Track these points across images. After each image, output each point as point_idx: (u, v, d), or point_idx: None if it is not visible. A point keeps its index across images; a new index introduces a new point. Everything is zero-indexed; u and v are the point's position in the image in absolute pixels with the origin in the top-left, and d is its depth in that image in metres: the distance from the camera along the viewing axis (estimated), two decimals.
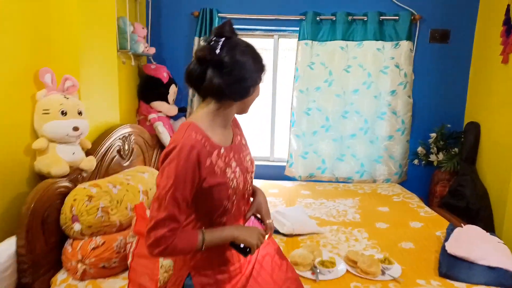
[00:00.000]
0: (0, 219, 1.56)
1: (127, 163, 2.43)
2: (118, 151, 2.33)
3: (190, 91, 3.40)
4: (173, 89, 3.23)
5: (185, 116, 3.47)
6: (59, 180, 1.73)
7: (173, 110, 3.29)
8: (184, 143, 1.07)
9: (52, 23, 1.89)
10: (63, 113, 1.77)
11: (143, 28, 3.04)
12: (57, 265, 1.69)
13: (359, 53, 3.27)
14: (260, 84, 1.23)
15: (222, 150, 1.18)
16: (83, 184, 1.77)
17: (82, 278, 1.63)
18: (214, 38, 1.15)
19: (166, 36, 3.41)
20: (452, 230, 2.16)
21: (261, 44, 3.60)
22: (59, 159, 1.76)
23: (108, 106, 2.38)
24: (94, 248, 1.64)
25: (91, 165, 1.92)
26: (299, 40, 3.29)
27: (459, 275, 1.75)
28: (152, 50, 3.16)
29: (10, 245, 1.48)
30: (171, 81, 3.23)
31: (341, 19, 3.22)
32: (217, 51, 1.11)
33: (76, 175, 1.85)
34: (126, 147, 2.43)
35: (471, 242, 1.97)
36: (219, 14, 3.28)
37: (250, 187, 1.32)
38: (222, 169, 1.16)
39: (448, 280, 1.73)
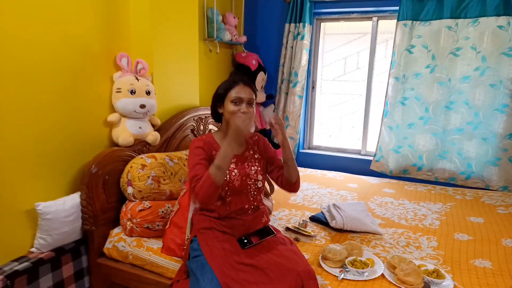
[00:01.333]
0: (80, 177, 1.91)
1: None
2: (192, 130, 2.56)
3: (279, 79, 3.44)
4: (261, 76, 3.33)
5: (274, 103, 3.53)
6: (123, 149, 2.02)
7: (261, 96, 3.39)
8: (195, 140, 1.65)
9: (131, 14, 2.19)
10: (132, 92, 2.05)
11: (234, 17, 3.20)
12: (116, 221, 1.98)
13: (472, 33, 2.73)
14: (228, 101, 1.60)
15: None
16: (143, 155, 2.03)
17: (130, 234, 1.89)
18: None
19: (260, 25, 3.52)
20: None
21: (359, 28, 3.36)
22: (126, 132, 2.06)
23: (187, 89, 2.62)
24: (141, 210, 1.88)
25: (154, 139, 2.17)
26: (398, 20, 2.95)
27: None
28: (243, 39, 3.30)
29: (75, 197, 1.83)
30: (260, 68, 3.33)
31: None
32: None
33: (141, 147, 2.13)
34: (202, 127, 2.65)
35: None
36: None
37: (254, 191, 1.68)
38: None
39: None
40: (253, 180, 1.67)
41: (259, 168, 1.71)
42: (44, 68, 1.74)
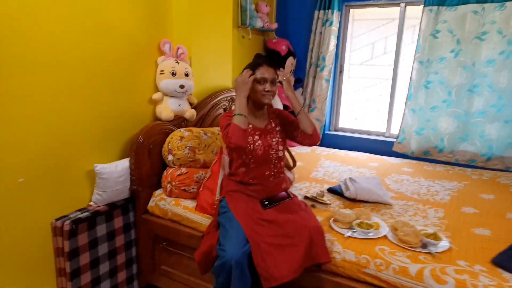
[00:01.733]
0: (129, 145, 2.26)
1: None
2: (224, 109, 2.85)
3: (307, 63, 3.63)
4: (290, 61, 3.54)
5: (302, 87, 3.73)
6: (164, 123, 2.35)
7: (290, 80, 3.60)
8: (225, 113, 1.93)
9: (173, 5, 2.49)
10: (173, 74, 2.35)
11: (266, 5, 3.42)
12: (159, 184, 2.32)
13: (499, 16, 2.79)
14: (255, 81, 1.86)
15: (250, 126, 1.90)
16: (182, 129, 2.34)
17: (169, 195, 2.22)
18: None
19: (291, 12, 3.71)
20: None
21: (386, 14, 3.47)
22: (167, 108, 2.38)
23: (221, 72, 2.90)
24: (179, 175, 2.20)
25: (191, 116, 2.48)
26: (424, 6, 3.04)
27: None
28: (274, 25, 3.52)
29: (125, 162, 2.18)
30: (289, 53, 3.54)
31: None
32: None
33: (180, 121, 2.44)
34: (233, 107, 2.93)
35: None
36: None
37: (275, 160, 1.93)
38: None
39: (498, 269, 1.53)
40: (274, 150, 1.93)
41: (280, 139, 1.97)
42: (99, 57, 2.08)
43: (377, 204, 2.22)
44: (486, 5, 2.81)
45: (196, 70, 2.58)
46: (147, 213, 2.28)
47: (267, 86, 1.86)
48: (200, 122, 2.62)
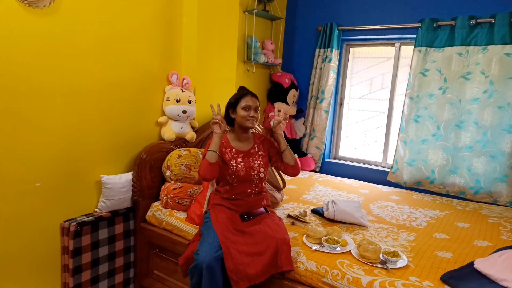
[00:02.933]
0: (134, 161, 2.58)
1: None
2: None
3: (309, 96, 3.92)
4: (292, 93, 3.84)
5: (304, 116, 4.00)
6: (167, 143, 2.66)
7: (291, 110, 3.89)
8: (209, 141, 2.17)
9: (183, 41, 2.86)
10: (178, 101, 2.69)
11: (272, 43, 3.78)
12: (157, 196, 2.61)
13: (482, 59, 2.99)
14: (240, 108, 2.12)
15: (233, 150, 2.15)
16: (181, 148, 2.65)
17: (165, 206, 2.49)
18: None
19: (296, 49, 4.05)
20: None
21: (384, 53, 3.73)
22: (170, 130, 2.70)
23: (225, 101, 3.21)
24: (174, 189, 2.48)
25: (191, 138, 2.78)
26: (415, 47, 3.29)
27: (459, 285, 1.66)
28: (278, 61, 3.86)
29: (129, 175, 2.49)
30: (292, 86, 3.84)
31: (462, 24, 3.04)
32: None
33: (181, 142, 2.76)
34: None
35: (507, 265, 1.75)
36: (339, 28, 3.67)
37: (257, 180, 2.17)
38: (229, 158, 2.12)
39: (445, 286, 1.68)
40: (256, 172, 2.16)
41: (262, 163, 2.21)
42: (116, 84, 2.46)
43: (353, 225, 2.39)
44: (470, 48, 3.03)
45: (200, 98, 2.91)
46: (145, 222, 2.56)
47: (251, 113, 2.14)
48: (200, 143, 2.92)
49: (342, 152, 4.06)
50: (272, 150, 2.28)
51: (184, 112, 2.71)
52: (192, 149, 2.67)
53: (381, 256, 1.89)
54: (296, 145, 3.97)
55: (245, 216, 2.11)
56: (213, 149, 2.03)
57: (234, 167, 2.12)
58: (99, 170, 2.42)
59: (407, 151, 3.39)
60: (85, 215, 2.35)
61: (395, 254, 1.90)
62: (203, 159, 2.04)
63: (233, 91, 3.25)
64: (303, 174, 3.71)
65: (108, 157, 2.46)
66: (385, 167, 3.73)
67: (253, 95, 2.17)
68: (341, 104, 3.99)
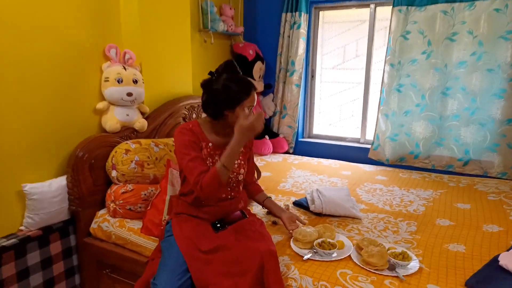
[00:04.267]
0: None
1: None
2: (184, 118, 2.63)
3: (277, 68, 3.46)
4: (258, 66, 3.36)
5: (272, 92, 3.55)
6: (109, 135, 2.12)
7: (259, 86, 3.43)
8: (181, 129, 1.62)
9: (121, 7, 2.28)
10: (119, 81, 2.14)
11: (231, 8, 3.25)
12: (104, 203, 2.09)
13: (468, 17, 2.66)
14: (242, 108, 1.56)
15: (210, 144, 1.63)
16: (129, 141, 2.12)
17: (113, 215, 1.99)
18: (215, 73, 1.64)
19: (259, 15, 3.54)
20: None
21: (357, 16, 3.33)
22: (113, 119, 2.16)
23: (179, 78, 2.70)
24: (123, 193, 1.97)
25: (141, 126, 2.26)
26: (393, 6, 2.90)
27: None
28: (240, 29, 3.34)
29: (62, 180, 1.94)
30: (257, 58, 3.36)
31: None
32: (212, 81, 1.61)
33: (129, 133, 2.22)
34: (194, 115, 2.72)
35: None
36: None
37: (234, 183, 1.71)
38: (205, 156, 1.62)
39: None
40: (234, 174, 1.69)
41: (242, 162, 1.74)
42: (34, 60, 1.87)
43: (345, 218, 2.03)
44: (455, 4, 2.69)
45: (148, 76, 2.37)
46: (90, 236, 2.04)
47: (250, 113, 1.63)
48: (154, 133, 2.41)
49: (316, 130, 3.68)
50: (247, 148, 1.81)
51: (129, 94, 2.17)
52: (143, 141, 2.16)
53: (388, 259, 1.53)
54: (266, 125, 3.53)
55: (218, 225, 1.66)
56: (231, 165, 1.53)
57: (210, 167, 1.62)
58: (20, 178, 1.85)
59: (389, 125, 3.06)
60: (4, 237, 1.80)
61: (405, 256, 1.54)
62: (212, 174, 1.49)
63: (189, 66, 2.73)
64: (276, 158, 3.30)
65: (30, 159, 1.89)
66: (364, 143, 3.40)
67: (255, 88, 1.65)
68: (312, 76, 3.58)
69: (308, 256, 1.59)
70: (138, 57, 2.29)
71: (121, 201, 1.96)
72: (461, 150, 2.85)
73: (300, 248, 1.67)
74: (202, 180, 1.49)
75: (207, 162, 1.61)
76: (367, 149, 3.25)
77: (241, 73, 1.68)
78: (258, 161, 3.17)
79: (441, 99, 2.85)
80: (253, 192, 1.92)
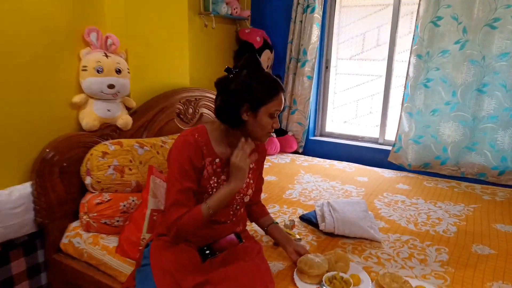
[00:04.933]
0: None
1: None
2: (178, 114, 2.31)
3: (287, 58, 3.10)
4: (266, 55, 3.01)
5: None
6: (86, 133, 1.82)
7: None
8: (184, 139, 1.26)
9: None
10: (99, 71, 1.82)
11: None
12: (77, 213, 1.79)
13: None
14: (266, 113, 1.26)
15: (217, 160, 1.31)
16: (108, 141, 1.81)
17: (86, 229, 1.69)
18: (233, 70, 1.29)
19: None
20: None
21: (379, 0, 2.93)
22: (91, 114, 1.85)
23: (174, 68, 2.37)
24: (98, 204, 1.67)
25: (125, 124, 1.94)
26: None
27: None
28: (246, 13, 2.99)
29: (26, 187, 1.65)
30: (265, 46, 3.01)
31: None
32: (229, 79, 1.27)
33: (110, 131, 1.91)
34: (190, 110, 2.40)
35: None
36: None
37: (237, 205, 1.41)
38: (208, 175, 1.29)
39: None
40: (241, 195, 1.40)
41: (252, 181, 1.44)
42: (2, 47, 1.56)
43: (361, 240, 1.69)
44: None
45: (135, 65, 2.05)
46: (61, 252, 1.75)
47: (276, 121, 1.32)
48: (141, 130, 2.09)
49: (329, 128, 3.32)
50: (259, 163, 1.51)
51: (111, 86, 1.85)
52: (125, 142, 1.85)
53: None
54: None
55: (207, 252, 1.33)
56: (215, 211, 1.27)
57: (214, 190, 1.31)
58: None
59: (413, 125, 2.68)
60: None
61: None
62: (194, 219, 1.24)
63: (186, 54, 2.40)
64: (283, 158, 2.96)
65: None
66: (383, 145, 3.03)
67: (284, 89, 1.34)
68: (326, 67, 3.20)
69: None
70: (123, 42, 1.97)
71: (95, 214, 1.66)
72: (496, 157, 2.47)
73: (306, 282, 1.35)
74: (180, 219, 1.22)
75: (211, 182, 1.30)
76: (387, 151, 2.88)
77: (265, 70, 1.34)
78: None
79: (475, 97, 2.46)
80: (256, 214, 1.59)
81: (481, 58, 2.39)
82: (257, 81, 1.24)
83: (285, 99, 1.39)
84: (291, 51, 3.06)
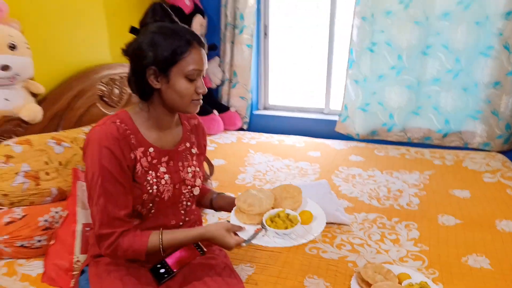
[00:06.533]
0: None
1: None
2: (101, 97, 1.92)
3: (222, 24, 2.78)
4: (198, 21, 2.65)
5: (218, 55, 2.88)
6: None
7: None
8: (102, 130, 0.99)
9: None
10: None
11: None
12: None
13: None
14: (181, 74, 0.99)
15: (151, 150, 1.06)
16: (12, 140, 1.40)
17: None
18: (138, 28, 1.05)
19: None
20: None
21: None
22: None
23: (90, 42, 1.95)
24: (8, 223, 1.29)
25: (33, 115, 1.52)
26: None
27: None
28: None
29: None
30: (196, 10, 2.65)
31: None
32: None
33: (12, 127, 1.48)
34: (116, 91, 2.01)
35: None
36: None
37: (187, 201, 1.16)
38: (143, 170, 1.03)
39: None
40: (189, 187, 1.14)
41: (198, 169, 1.17)
42: None
43: (329, 226, 1.55)
44: None
45: (36, 39, 1.61)
46: None
47: (201, 86, 1.02)
48: (55, 122, 1.67)
49: (273, 100, 3.12)
50: (203, 148, 1.25)
51: (4, 68, 1.42)
52: (34, 139, 1.44)
53: None
54: (213, 97, 2.90)
55: (162, 271, 1.06)
56: (167, 249, 1.04)
57: (154, 189, 1.04)
58: None
59: (360, 93, 2.58)
60: None
61: None
62: (140, 248, 1.00)
63: (103, 23, 1.98)
64: (228, 137, 2.71)
65: None
66: (329, 114, 2.92)
67: (202, 43, 1.03)
68: (265, 34, 2.95)
69: (254, 241, 1.04)
70: (15, 7, 1.51)
71: (7, 236, 1.28)
72: (440, 120, 2.49)
73: (244, 223, 1.10)
74: (121, 240, 0.98)
75: (148, 178, 1.03)
76: (333, 122, 2.78)
77: (178, 22, 1.04)
78: (207, 144, 2.57)
79: (420, 60, 2.41)
80: (199, 197, 1.27)
81: (425, 18, 2.33)
82: (163, 36, 0.97)
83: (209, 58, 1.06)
84: (226, 16, 2.74)
